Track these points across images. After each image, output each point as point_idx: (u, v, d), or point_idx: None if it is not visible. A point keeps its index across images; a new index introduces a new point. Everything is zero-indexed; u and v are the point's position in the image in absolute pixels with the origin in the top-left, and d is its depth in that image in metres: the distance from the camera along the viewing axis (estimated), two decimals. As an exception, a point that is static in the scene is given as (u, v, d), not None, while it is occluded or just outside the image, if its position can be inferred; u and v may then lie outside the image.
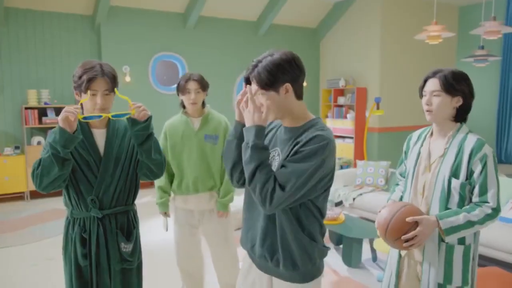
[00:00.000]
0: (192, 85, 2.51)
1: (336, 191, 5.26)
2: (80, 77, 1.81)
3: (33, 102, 6.33)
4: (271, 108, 1.49)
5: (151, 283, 3.26)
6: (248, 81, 1.53)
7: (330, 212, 3.98)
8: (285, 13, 8.13)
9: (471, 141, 1.77)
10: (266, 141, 1.61)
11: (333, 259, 3.92)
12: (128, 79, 6.99)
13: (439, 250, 1.80)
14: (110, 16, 6.84)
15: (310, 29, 8.98)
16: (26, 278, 3.59)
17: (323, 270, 1.60)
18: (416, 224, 1.71)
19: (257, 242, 1.57)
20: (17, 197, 6.40)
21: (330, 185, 1.52)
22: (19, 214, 5.60)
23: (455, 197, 1.77)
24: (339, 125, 8.39)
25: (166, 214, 2.73)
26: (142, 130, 1.85)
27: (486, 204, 1.73)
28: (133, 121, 1.84)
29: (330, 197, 5.30)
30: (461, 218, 1.70)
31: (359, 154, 7.98)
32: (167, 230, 2.81)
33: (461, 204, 1.77)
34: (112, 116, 1.85)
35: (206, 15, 7.65)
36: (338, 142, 8.42)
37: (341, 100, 8.40)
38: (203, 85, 2.56)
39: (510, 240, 3.27)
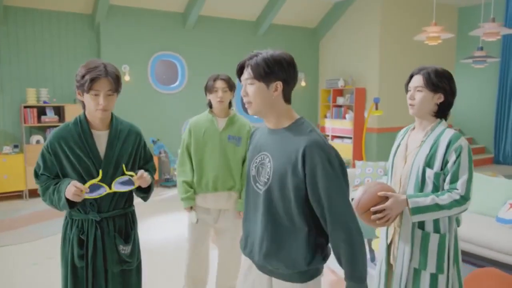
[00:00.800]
0: (220, 84, 2.58)
1: (335, 191, 5.27)
2: (83, 77, 1.79)
3: (32, 101, 6.32)
4: (256, 98, 1.49)
5: (150, 282, 3.26)
6: (241, 71, 1.54)
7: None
8: (284, 13, 8.14)
9: (448, 134, 1.87)
10: (253, 145, 1.64)
11: (331, 259, 3.91)
12: (127, 78, 6.99)
13: (413, 236, 1.89)
14: (109, 15, 6.84)
15: (310, 29, 8.99)
16: (25, 277, 3.59)
17: (323, 269, 1.60)
18: (387, 199, 1.82)
19: (256, 244, 1.57)
20: (16, 195, 6.39)
21: None
22: (18, 212, 5.60)
23: (429, 186, 1.87)
24: (338, 125, 8.40)
25: (192, 208, 2.69)
26: (145, 193, 2.01)
27: (455, 190, 1.80)
28: (141, 190, 1.99)
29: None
30: (428, 199, 1.79)
31: (358, 154, 8.00)
32: (197, 221, 2.69)
33: (434, 192, 1.85)
34: (115, 188, 1.88)
35: (205, 15, 7.65)
36: (336, 142, 8.44)
37: (340, 100, 8.41)
38: (230, 85, 2.63)
39: (508, 241, 3.28)
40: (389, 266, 2.05)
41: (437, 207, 1.78)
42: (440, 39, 5.17)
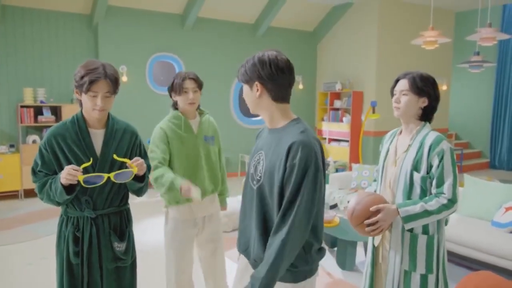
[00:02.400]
0: (190, 84, 2.37)
1: (331, 194, 5.28)
2: (82, 77, 1.80)
3: (29, 101, 6.30)
4: (247, 100, 1.61)
5: (145, 283, 3.25)
6: None
7: (325, 214, 4.00)
8: (282, 15, 8.16)
9: (431, 137, 1.91)
10: (255, 146, 1.70)
11: (327, 262, 3.93)
12: (125, 79, 6.98)
13: (403, 239, 1.94)
14: (108, 15, 6.84)
15: (308, 32, 9.02)
16: (20, 277, 3.57)
17: (317, 270, 1.60)
18: (379, 212, 1.87)
19: (251, 245, 1.58)
20: (12, 195, 6.36)
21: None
22: (14, 212, 5.57)
23: (417, 189, 1.93)
24: (335, 128, 8.42)
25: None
26: (141, 182, 1.98)
27: (442, 195, 1.86)
28: (136, 179, 1.94)
29: (325, 200, 5.31)
30: (418, 207, 1.86)
31: (355, 157, 8.01)
32: (202, 198, 2.38)
33: (422, 196, 1.92)
34: (114, 177, 1.84)
35: (204, 17, 7.66)
36: (333, 145, 8.46)
37: (337, 103, 8.43)
38: (200, 84, 2.43)
39: (503, 244, 3.30)
40: (374, 268, 2.10)
41: (426, 213, 1.85)
42: (437, 43, 5.20)
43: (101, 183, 1.84)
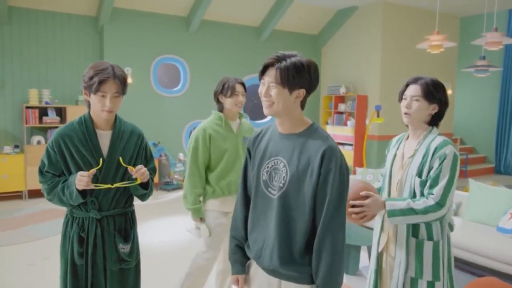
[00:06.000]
0: (239, 88, 2.58)
1: (335, 197, 5.26)
2: (91, 78, 1.82)
3: (34, 102, 6.33)
4: (279, 101, 1.47)
5: (148, 285, 3.25)
6: (265, 69, 1.50)
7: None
8: (287, 19, 8.17)
9: (437, 141, 1.89)
10: (260, 149, 1.61)
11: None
12: (129, 80, 7.00)
13: (408, 246, 1.91)
14: (113, 17, 6.87)
15: (312, 36, 9.02)
16: (22, 278, 3.58)
17: None
18: (367, 198, 1.88)
19: (267, 250, 1.54)
20: (16, 196, 6.38)
21: None
22: (17, 213, 5.58)
23: (417, 194, 1.90)
24: (339, 132, 8.40)
25: (202, 219, 2.64)
26: (145, 188, 1.99)
27: (431, 196, 1.83)
28: (140, 185, 1.96)
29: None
30: (404, 203, 1.84)
31: (359, 161, 7.99)
32: (210, 234, 2.62)
33: None
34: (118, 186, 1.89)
35: (208, 19, 7.68)
36: (337, 148, 8.43)
37: (341, 107, 8.42)
38: (245, 89, 2.65)
39: (508, 250, 3.27)
40: (378, 275, 2.06)
41: (411, 211, 1.82)
42: (443, 47, 5.18)
43: (109, 186, 1.89)
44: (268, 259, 1.54)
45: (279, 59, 1.45)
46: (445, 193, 1.80)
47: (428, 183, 1.85)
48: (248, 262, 1.70)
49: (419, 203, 1.82)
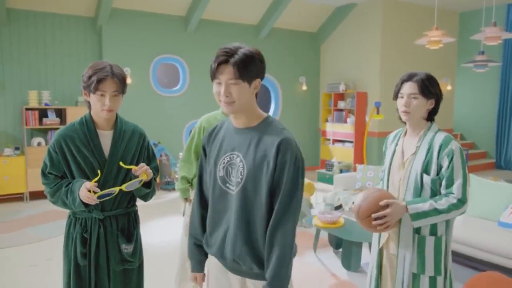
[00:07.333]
0: None
1: (336, 195, 5.26)
2: (90, 77, 1.82)
3: (33, 103, 6.33)
4: (241, 98, 1.44)
5: (152, 284, 3.25)
6: (217, 68, 1.43)
7: (330, 215, 3.99)
8: (286, 17, 8.16)
9: (439, 138, 1.90)
10: (216, 145, 1.59)
11: (332, 263, 3.92)
12: (129, 81, 7.00)
13: (413, 241, 1.92)
14: (111, 18, 6.87)
15: (311, 33, 9.01)
16: (25, 279, 3.58)
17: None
18: (387, 206, 1.85)
19: (228, 245, 1.53)
20: (17, 197, 6.39)
21: None
22: (18, 214, 5.59)
23: (427, 191, 1.90)
24: (339, 129, 8.40)
25: (187, 200, 2.83)
26: (148, 187, 1.99)
27: (452, 194, 1.85)
28: (145, 185, 1.96)
29: (329, 201, 5.30)
30: (427, 205, 1.84)
31: (359, 158, 7.99)
32: (184, 215, 2.90)
33: (432, 197, 1.90)
34: (126, 188, 1.87)
35: (207, 19, 7.67)
36: (337, 146, 8.44)
37: (341, 104, 8.42)
38: None
39: (509, 245, 3.27)
40: (379, 271, 2.07)
41: (436, 211, 1.83)
42: (441, 43, 5.17)
43: (114, 195, 1.87)
44: (230, 255, 1.52)
45: (230, 54, 1.42)
46: (464, 189, 1.84)
47: (443, 183, 1.86)
48: (207, 261, 1.70)
49: (442, 203, 1.83)
